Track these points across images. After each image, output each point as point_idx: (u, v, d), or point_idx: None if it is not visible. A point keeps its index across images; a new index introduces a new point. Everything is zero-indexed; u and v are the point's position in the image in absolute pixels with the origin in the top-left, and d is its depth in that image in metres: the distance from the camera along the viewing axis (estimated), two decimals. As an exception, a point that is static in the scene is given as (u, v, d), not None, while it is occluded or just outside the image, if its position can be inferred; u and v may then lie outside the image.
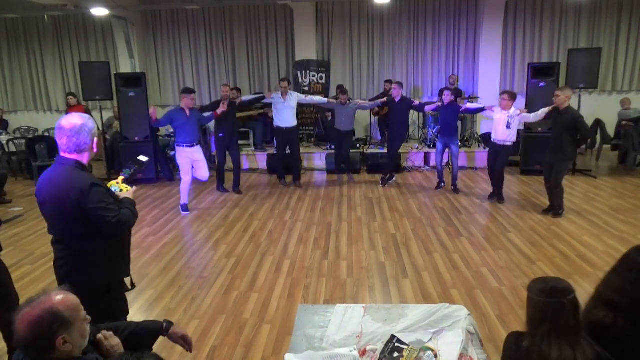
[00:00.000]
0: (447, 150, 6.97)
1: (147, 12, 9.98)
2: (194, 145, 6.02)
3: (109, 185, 2.39)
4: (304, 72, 9.23)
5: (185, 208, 6.22)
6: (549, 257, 4.47)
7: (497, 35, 9.18)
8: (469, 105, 7.25)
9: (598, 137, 8.82)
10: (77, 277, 2.18)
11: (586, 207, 5.95)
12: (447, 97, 6.66)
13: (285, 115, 7.22)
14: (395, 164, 7.81)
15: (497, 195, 6.35)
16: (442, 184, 7.07)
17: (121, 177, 2.43)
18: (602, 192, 6.66)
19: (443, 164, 7.07)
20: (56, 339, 1.49)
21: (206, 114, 6.45)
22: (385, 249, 4.77)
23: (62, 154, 2.18)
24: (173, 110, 6.11)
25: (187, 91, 6.08)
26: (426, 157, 8.72)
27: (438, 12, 9.62)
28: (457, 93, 9.22)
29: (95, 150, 2.24)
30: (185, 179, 6.08)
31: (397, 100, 7.05)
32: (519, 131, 7.94)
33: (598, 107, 9.15)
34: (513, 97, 6.01)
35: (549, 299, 1.61)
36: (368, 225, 5.55)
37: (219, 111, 6.45)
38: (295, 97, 7.27)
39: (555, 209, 5.62)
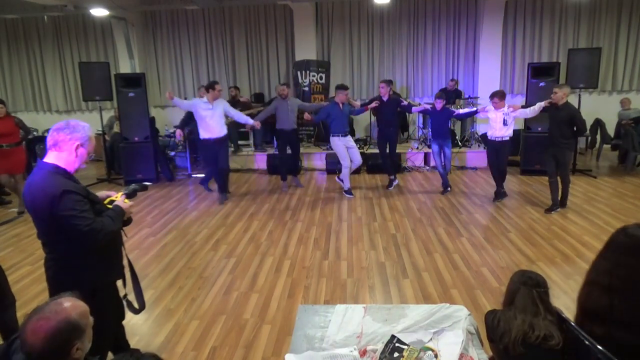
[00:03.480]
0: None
1: (147, 12, 9.99)
2: (347, 135, 6.66)
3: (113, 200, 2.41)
4: (303, 72, 9.21)
5: (349, 192, 6.78)
6: (549, 257, 4.47)
7: (497, 35, 9.19)
8: (461, 110, 7.19)
9: (598, 137, 8.82)
10: (60, 279, 2.18)
11: (586, 207, 5.95)
12: (439, 104, 6.65)
13: (213, 124, 6.21)
14: (394, 165, 7.49)
15: (498, 193, 6.33)
16: (449, 189, 6.84)
17: (121, 193, 2.47)
18: (602, 192, 6.66)
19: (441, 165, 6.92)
20: (72, 348, 1.49)
21: (356, 109, 7.04)
22: (385, 249, 4.77)
23: (44, 158, 2.18)
24: (329, 105, 6.80)
25: (342, 87, 6.63)
26: (426, 157, 8.70)
27: (438, 12, 9.63)
28: (457, 94, 9.24)
29: (79, 160, 2.21)
30: (345, 164, 6.67)
31: (384, 99, 6.87)
32: (519, 131, 7.98)
33: (598, 107, 9.15)
34: (503, 96, 6.11)
35: (522, 287, 1.97)
36: (368, 225, 5.54)
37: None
38: (222, 105, 6.33)
39: (558, 204, 5.79)
